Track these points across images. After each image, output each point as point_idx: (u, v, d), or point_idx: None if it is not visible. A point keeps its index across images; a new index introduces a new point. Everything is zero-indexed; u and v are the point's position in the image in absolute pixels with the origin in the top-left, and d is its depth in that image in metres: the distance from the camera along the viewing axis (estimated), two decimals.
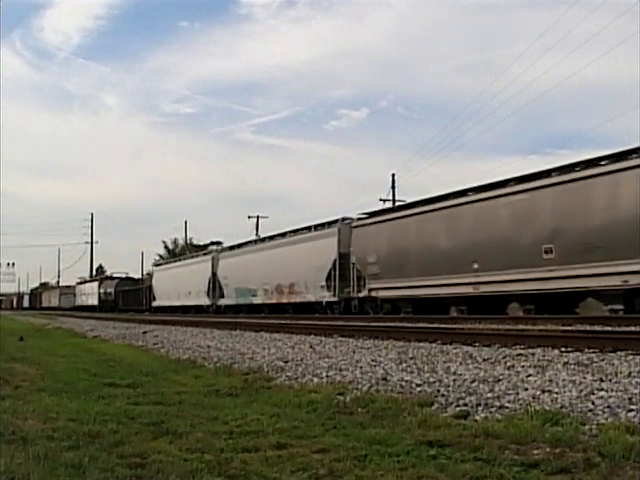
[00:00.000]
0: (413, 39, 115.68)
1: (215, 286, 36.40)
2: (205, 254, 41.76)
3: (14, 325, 28.25)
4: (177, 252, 67.29)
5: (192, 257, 44.83)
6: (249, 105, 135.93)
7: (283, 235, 31.00)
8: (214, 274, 36.56)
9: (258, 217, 54.44)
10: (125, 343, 14.60)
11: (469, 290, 18.65)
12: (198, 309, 37.95)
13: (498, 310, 18.01)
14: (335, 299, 24.99)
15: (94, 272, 78.66)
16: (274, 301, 29.85)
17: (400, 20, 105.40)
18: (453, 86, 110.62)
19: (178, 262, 46.13)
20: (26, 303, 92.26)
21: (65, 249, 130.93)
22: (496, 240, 17.77)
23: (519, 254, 16.97)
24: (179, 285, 41.20)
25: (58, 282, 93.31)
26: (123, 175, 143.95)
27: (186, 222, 66.78)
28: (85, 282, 70.29)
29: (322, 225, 27.44)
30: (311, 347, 10.25)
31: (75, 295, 68.80)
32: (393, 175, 42.42)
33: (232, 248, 37.26)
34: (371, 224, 23.61)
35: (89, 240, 78.80)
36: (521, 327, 11.61)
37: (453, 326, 12.70)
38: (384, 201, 39.95)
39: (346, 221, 25.48)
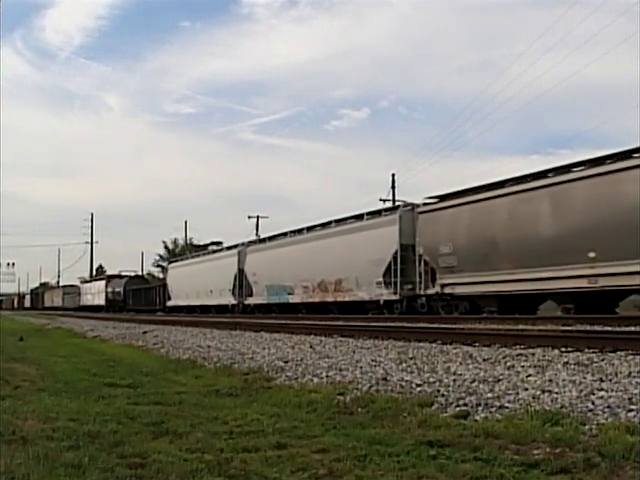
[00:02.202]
0: (414, 39, 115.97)
1: (242, 284, 32.70)
2: (229, 248, 37.32)
3: (14, 325, 28.25)
4: (177, 252, 67.23)
5: (214, 252, 41.18)
6: (250, 105, 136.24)
7: (327, 225, 27.17)
8: (241, 270, 32.88)
9: (258, 217, 54.48)
10: (125, 343, 14.59)
11: (582, 284, 15.46)
12: (221, 309, 34.42)
13: (611, 308, 15.67)
14: (396, 297, 21.45)
15: (94, 272, 78.67)
16: (316, 300, 26.19)
17: (401, 20, 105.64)
18: (454, 86, 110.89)
19: (197, 258, 42.49)
20: (27, 303, 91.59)
21: (65, 249, 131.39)
22: (622, 223, 14.61)
23: None
24: (199, 283, 37.62)
25: (58, 282, 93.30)
26: (123, 175, 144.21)
27: (186, 222, 66.85)
28: (91, 281, 68.46)
29: (377, 212, 24.14)
30: (311, 347, 10.25)
31: (80, 295, 66.81)
32: (393, 175, 42.52)
33: (262, 241, 33.57)
34: (445, 208, 20.12)
35: (89, 240, 78.84)
36: (521, 327, 11.61)
37: (453, 326, 12.69)
38: (384, 201, 39.92)
39: (407, 207, 22.19)
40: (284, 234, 30.86)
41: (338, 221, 26.32)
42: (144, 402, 5.65)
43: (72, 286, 74.76)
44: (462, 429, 4.12)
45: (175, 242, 72.62)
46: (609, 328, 10.39)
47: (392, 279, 21.55)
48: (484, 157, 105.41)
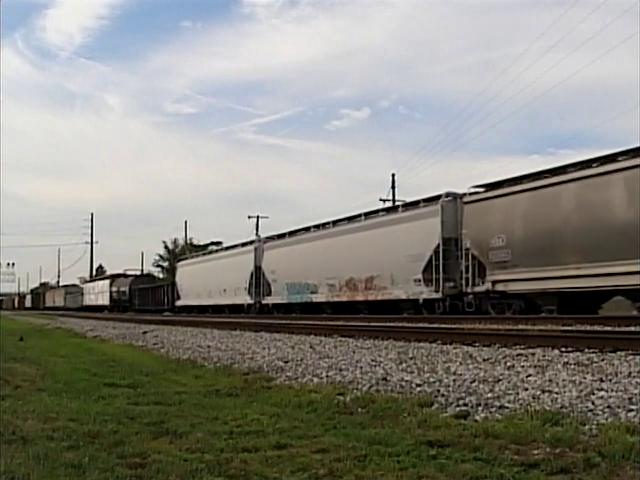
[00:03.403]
0: (415, 39, 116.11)
1: (259, 282, 30.71)
2: (244, 244, 34.66)
3: (14, 325, 28.25)
4: (177, 252, 67.17)
5: (227, 249, 38.17)
6: (251, 105, 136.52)
7: (355, 218, 25.04)
8: (258, 268, 30.84)
9: (258, 217, 54.53)
10: (125, 343, 14.59)
11: None
12: (235, 309, 32.54)
13: None
14: (438, 295, 19.64)
15: (94, 272, 78.65)
16: (344, 299, 24.34)
17: (402, 20, 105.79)
18: (455, 86, 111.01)
19: (209, 255, 40.32)
20: (28, 303, 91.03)
21: (65, 249, 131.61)
22: None
23: None
24: (211, 282, 35.66)
25: (58, 282, 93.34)
26: (124, 175, 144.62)
27: (186, 222, 66.78)
28: (94, 280, 67.39)
29: (415, 203, 22.05)
30: (311, 347, 10.25)
31: (83, 294, 65.60)
32: (393, 175, 42.55)
33: (281, 236, 30.75)
34: (496, 197, 18.15)
35: (89, 240, 78.90)
36: (521, 327, 11.60)
37: (453, 326, 12.69)
38: (384, 201, 39.97)
39: (450, 197, 20.08)
40: (306, 229, 28.56)
41: (368, 214, 24.44)
42: (144, 402, 5.65)
43: (74, 286, 73.91)
44: (462, 429, 4.12)
45: (175, 242, 72.58)
46: (609, 328, 10.39)
47: (433, 276, 19.73)
48: (484, 157, 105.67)
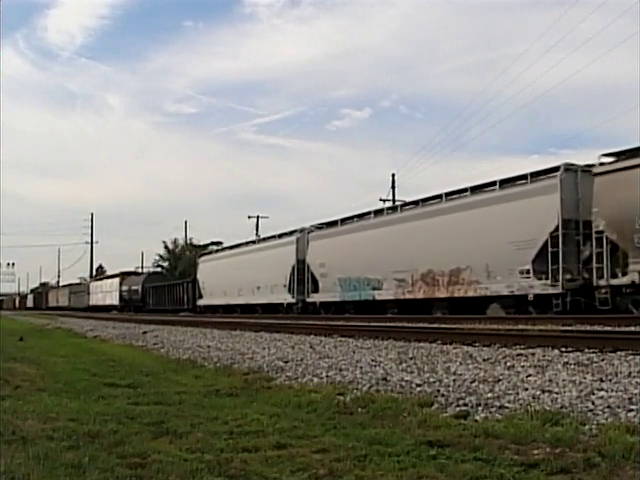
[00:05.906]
0: (416, 39, 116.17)
1: (303, 278, 27.00)
2: (282, 235, 30.35)
3: (14, 325, 28.24)
4: (177, 252, 67.08)
5: (261, 241, 34.16)
6: (252, 105, 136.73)
7: (432, 200, 21.21)
8: (301, 261, 27.25)
9: (258, 217, 54.53)
10: (125, 343, 14.59)
11: None
12: (270, 309, 28.99)
13: None
14: (556, 290, 15.97)
15: (94, 272, 78.60)
16: (419, 296, 20.62)
17: (403, 20, 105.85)
18: (455, 86, 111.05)
19: (238, 249, 35.62)
20: (30, 303, 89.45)
21: (65, 249, 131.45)
22: None
23: None
24: (241, 278, 32.02)
25: (58, 282, 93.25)
26: (124, 175, 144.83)
27: (186, 222, 66.65)
28: (101, 278, 65.14)
29: (517, 179, 18.10)
30: (311, 347, 10.25)
31: (89, 294, 62.30)
32: (393, 175, 42.53)
33: (331, 224, 26.58)
34: None
35: (89, 240, 78.85)
36: (521, 327, 11.61)
37: (453, 326, 12.69)
38: (384, 201, 39.91)
39: (570, 168, 16.54)
40: (363, 215, 24.70)
41: (450, 194, 20.33)
42: (144, 402, 5.65)
43: (79, 284, 72.00)
44: (462, 429, 4.12)
45: (175, 242, 72.36)
46: (609, 328, 10.39)
47: (550, 266, 16.14)
48: (485, 157, 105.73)
